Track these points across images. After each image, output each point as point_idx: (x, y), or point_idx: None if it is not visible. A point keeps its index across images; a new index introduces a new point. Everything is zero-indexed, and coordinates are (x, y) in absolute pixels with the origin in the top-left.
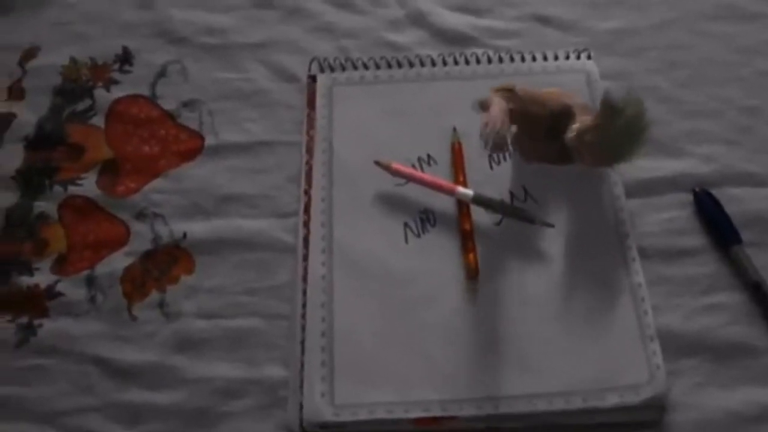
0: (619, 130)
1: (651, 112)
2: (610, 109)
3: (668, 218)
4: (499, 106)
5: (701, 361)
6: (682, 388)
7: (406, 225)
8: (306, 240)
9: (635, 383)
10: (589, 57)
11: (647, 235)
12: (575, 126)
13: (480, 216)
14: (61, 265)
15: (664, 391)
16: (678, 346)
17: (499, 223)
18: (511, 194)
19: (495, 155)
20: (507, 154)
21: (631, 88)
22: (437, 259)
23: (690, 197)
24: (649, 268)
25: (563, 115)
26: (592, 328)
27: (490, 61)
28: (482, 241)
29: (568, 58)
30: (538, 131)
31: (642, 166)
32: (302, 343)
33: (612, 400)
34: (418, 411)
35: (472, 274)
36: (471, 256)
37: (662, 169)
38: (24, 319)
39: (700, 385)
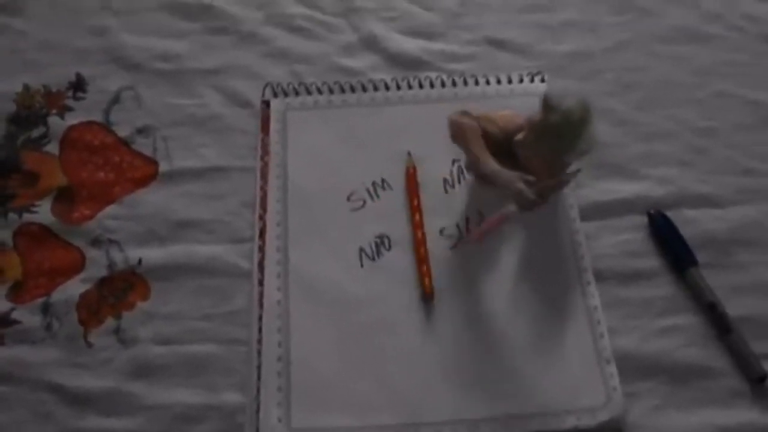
0: (559, 122)
1: (606, 134)
2: (547, 106)
3: (624, 240)
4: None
5: (658, 384)
6: (639, 411)
7: (361, 249)
8: (261, 265)
9: (592, 406)
10: (542, 80)
11: (603, 257)
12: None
13: (434, 241)
14: (16, 293)
15: (621, 413)
16: (635, 369)
17: (453, 247)
18: (467, 218)
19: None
20: (462, 177)
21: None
22: (393, 283)
23: (646, 219)
24: (605, 291)
25: (516, 133)
26: (549, 351)
27: (443, 84)
28: (437, 265)
29: (521, 81)
30: (494, 152)
31: (597, 188)
32: (258, 368)
33: (569, 422)
34: None
35: (428, 297)
36: (426, 280)
37: (618, 191)
38: None
39: (658, 407)
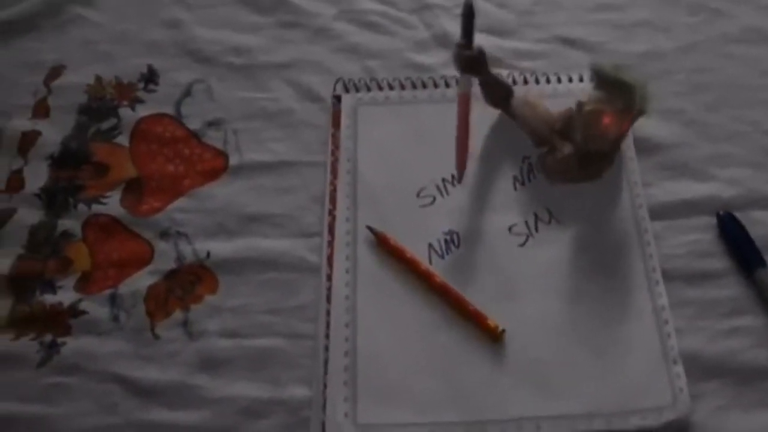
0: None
1: (676, 135)
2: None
3: (692, 241)
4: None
5: (724, 384)
6: (704, 411)
7: (430, 246)
8: (330, 260)
9: (658, 406)
10: None
11: (671, 257)
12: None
13: (503, 238)
14: (84, 284)
15: (687, 413)
16: (701, 369)
17: (523, 245)
18: (536, 216)
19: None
20: (531, 176)
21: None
22: (460, 280)
23: (714, 220)
24: (673, 291)
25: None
26: (616, 351)
27: (515, 82)
28: (507, 262)
29: (592, 80)
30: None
31: (666, 189)
32: (325, 363)
33: (635, 422)
34: None
35: (497, 338)
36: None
37: (687, 191)
38: (47, 338)
39: (723, 408)
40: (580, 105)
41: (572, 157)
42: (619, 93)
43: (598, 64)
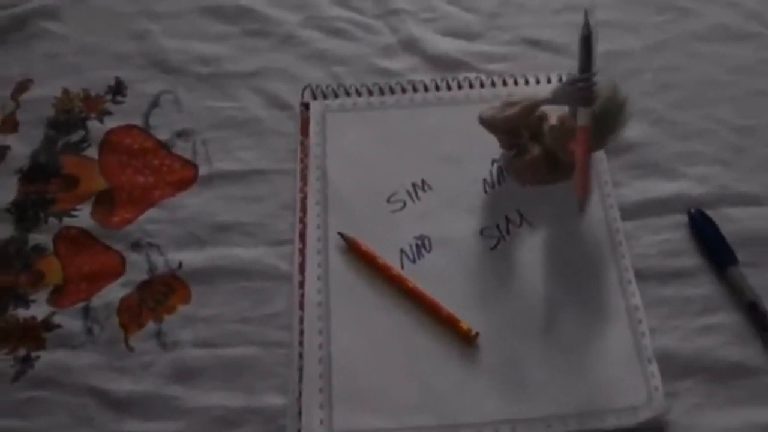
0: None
1: (645, 134)
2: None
3: (664, 239)
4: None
5: (699, 382)
6: (680, 410)
7: (402, 251)
8: (302, 267)
9: (633, 405)
10: None
11: (643, 256)
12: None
13: (475, 241)
14: (57, 297)
15: (663, 412)
16: (676, 368)
17: (494, 247)
18: (507, 218)
19: (490, 179)
20: (501, 179)
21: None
22: (432, 284)
23: (685, 218)
24: (646, 290)
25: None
26: (590, 351)
27: (482, 85)
28: (478, 266)
29: (560, 80)
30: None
31: (637, 188)
32: (300, 370)
33: (610, 422)
34: None
35: (471, 341)
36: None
37: (657, 190)
38: (21, 352)
39: (699, 406)
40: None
41: (542, 159)
42: (607, 116)
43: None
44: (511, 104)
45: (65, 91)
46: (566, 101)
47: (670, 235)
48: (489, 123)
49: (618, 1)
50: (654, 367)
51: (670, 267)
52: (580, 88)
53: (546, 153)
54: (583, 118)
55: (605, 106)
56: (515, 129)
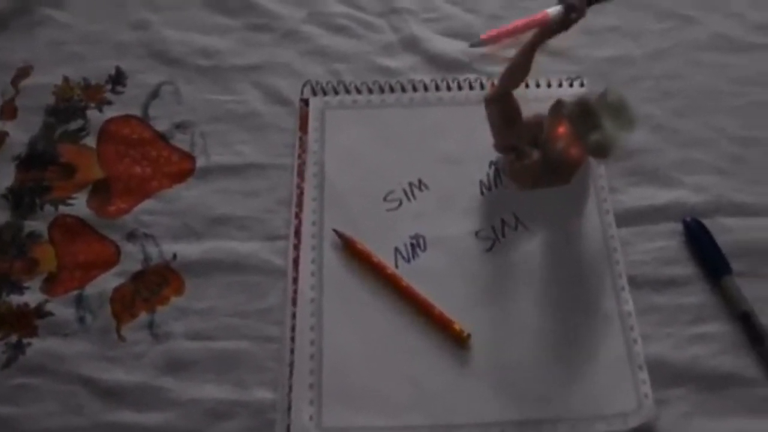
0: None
1: (643, 141)
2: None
3: (659, 247)
4: None
5: (690, 391)
6: (670, 418)
7: (396, 250)
8: (296, 263)
9: (623, 412)
10: (582, 85)
11: (638, 263)
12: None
13: (470, 243)
14: (50, 285)
15: (652, 420)
16: (667, 376)
17: (489, 249)
18: (502, 221)
19: (486, 181)
20: (498, 180)
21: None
22: (426, 284)
23: (681, 227)
24: (639, 297)
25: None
26: (581, 356)
27: (482, 86)
28: (473, 267)
29: (561, 85)
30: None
31: (633, 195)
32: (291, 365)
33: (600, 428)
34: None
35: (463, 342)
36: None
37: (654, 197)
38: (13, 338)
39: (688, 414)
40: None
41: (541, 164)
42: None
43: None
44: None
45: (65, 79)
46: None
47: (665, 243)
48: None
49: (619, 7)
50: (645, 374)
51: (664, 275)
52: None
53: (545, 158)
54: None
55: (611, 112)
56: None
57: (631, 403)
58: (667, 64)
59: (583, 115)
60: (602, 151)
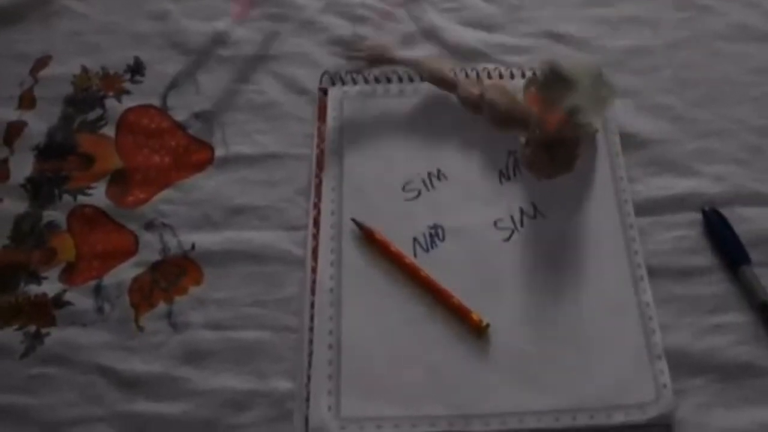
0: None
1: (662, 131)
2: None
3: (678, 237)
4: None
5: (708, 381)
6: (688, 408)
7: (415, 240)
8: (315, 253)
9: (642, 402)
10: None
11: (656, 253)
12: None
13: (489, 232)
14: (69, 275)
15: (671, 410)
16: (685, 366)
17: (508, 239)
18: (521, 210)
19: (506, 170)
20: (517, 170)
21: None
22: (445, 274)
23: (700, 216)
24: (658, 287)
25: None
26: (600, 346)
27: (501, 76)
28: (491, 257)
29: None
30: (504, 119)
31: (652, 184)
32: (309, 356)
33: (618, 418)
34: (425, 426)
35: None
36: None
37: (673, 187)
38: (31, 328)
39: (707, 404)
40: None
41: (533, 147)
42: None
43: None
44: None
45: (84, 69)
46: None
47: (684, 233)
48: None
49: None
50: (663, 364)
51: (683, 264)
52: None
53: (534, 141)
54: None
55: (590, 85)
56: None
57: (650, 394)
58: (685, 54)
59: (557, 81)
60: (580, 116)
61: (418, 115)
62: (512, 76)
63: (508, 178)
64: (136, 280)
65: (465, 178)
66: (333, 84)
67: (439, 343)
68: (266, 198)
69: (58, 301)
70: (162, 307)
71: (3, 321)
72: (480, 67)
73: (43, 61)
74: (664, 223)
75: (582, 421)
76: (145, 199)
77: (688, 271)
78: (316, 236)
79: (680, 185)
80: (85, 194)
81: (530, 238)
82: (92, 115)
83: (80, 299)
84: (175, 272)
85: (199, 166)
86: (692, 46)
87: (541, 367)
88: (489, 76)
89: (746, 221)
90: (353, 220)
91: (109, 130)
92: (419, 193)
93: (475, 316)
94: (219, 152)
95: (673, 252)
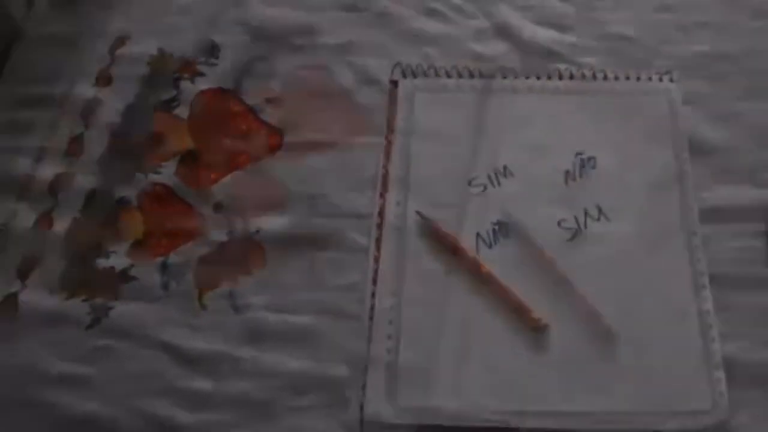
0: None
1: (732, 139)
2: None
3: (742, 246)
4: None
5: (765, 393)
6: (744, 419)
7: (478, 235)
8: (378, 242)
9: (697, 410)
10: (671, 80)
11: (719, 262)
12: None
13: (552, 232)
14: (137, 251)
15: (726, 419)
16: (743, 376)
17: (571, 240)
18: (585, 212)
19: (572, 171)
20: (583, 171)
21: None
22: (506, 271)
23: (764, 227)
24: (719, 295)
25: None
26: (658, 352)
27: (572, 77)
28: (553, 256)
29: (650, 79)
30: None
31: (718, 193)
32: (368, 344)
33: (672, 425)
34: (479, 420)
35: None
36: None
37: (739, 197)
38: (98, 300)
39: (762, 416)
40: None
41: None
42: None
43: None
44: None
45: (160, 50)
46: None
47: (747, 243)
48: None
49: (715, 3)
50: (720, 374)
51: (745, 274)
52: None
53: None
54: None
55: None
56: None
57: (706, 402)
58: (758, 62)
59: None
60: None
61: (488, 110)
62: (584, 77)
63: (574, 179)
64: (201, 259)
65: (531, 176)
66: (404, 76)
67: (498, 339)
68: (333, 185)
69: (125, 276)
70: (225, 287)
71: (71, 292)
72: (552, 67)
73: (121, 40)
74: (728, 232)
75: (637, 425)
76: (214, 180)
77: (749, 282)
78: (380, 226)
79: (747, 195)
80: (155, 173)
81: (593, 240)
82: (166, 96)
83: (146, 275)
84: (239, 254)
85: (269, 151)
86: (766, 55)
87: (597, 368)
88: (560, 77)
89: None
90: (418, 212)
91: (182, 111)
92: (485, 189)
93: (534, 315)
94: (289, 138)
95: (735, 261)
